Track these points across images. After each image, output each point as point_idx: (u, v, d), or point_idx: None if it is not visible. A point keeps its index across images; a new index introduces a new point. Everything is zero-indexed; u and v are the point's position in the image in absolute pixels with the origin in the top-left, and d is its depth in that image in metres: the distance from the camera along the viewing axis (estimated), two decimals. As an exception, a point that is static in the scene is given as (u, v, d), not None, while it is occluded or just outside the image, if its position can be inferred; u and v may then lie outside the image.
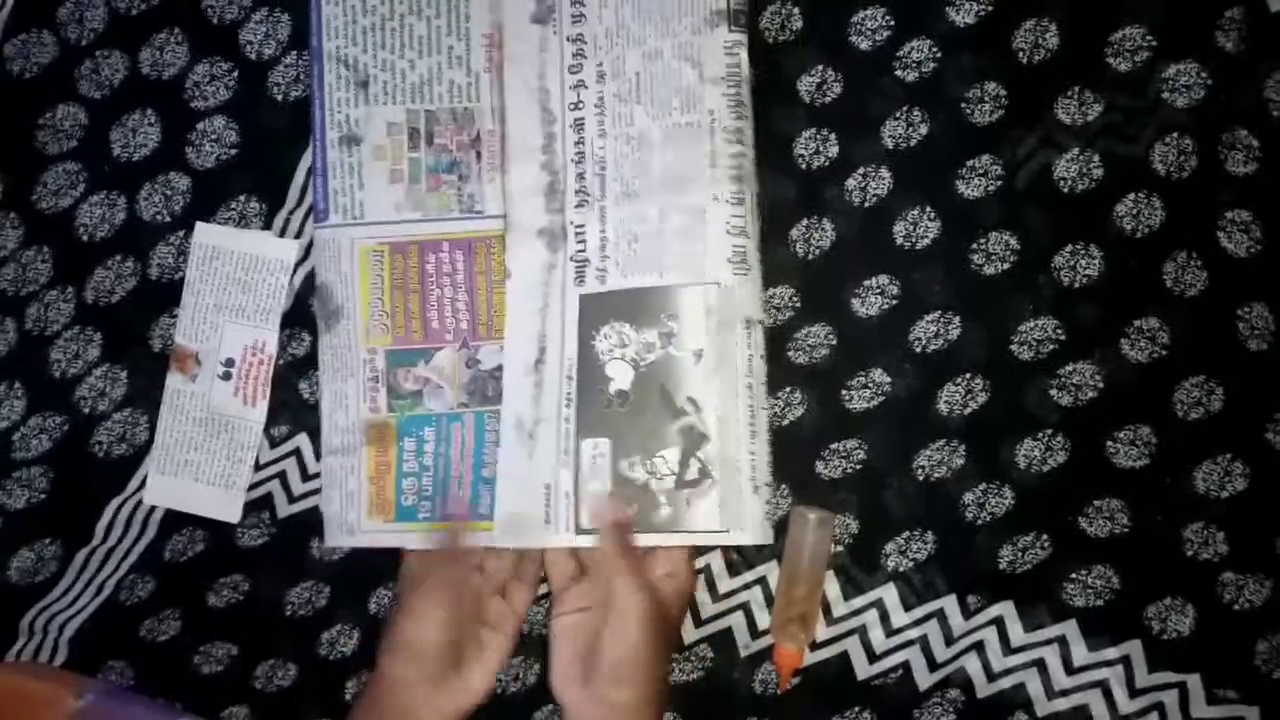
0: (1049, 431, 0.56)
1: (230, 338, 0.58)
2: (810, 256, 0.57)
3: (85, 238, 0.59)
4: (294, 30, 0.59)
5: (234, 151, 0.59)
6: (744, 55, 0.52)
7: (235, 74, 0.59)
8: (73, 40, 0.59)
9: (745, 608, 0.58)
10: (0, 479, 0.59)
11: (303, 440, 0.59)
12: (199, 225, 0.59)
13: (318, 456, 0.58)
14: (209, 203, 0.59)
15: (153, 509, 0.59)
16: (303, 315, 0.59)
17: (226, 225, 0.59)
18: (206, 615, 0.59)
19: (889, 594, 0.57)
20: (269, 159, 0.59)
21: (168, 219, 0.59)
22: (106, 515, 0.59)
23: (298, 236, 0.59)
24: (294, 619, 0.60)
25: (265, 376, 0.58)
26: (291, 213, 0.59)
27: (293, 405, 0.59)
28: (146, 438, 0.59)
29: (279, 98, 0.59)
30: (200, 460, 0.58)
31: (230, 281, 0.58)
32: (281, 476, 0.59)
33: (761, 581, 0.58)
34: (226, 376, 0.58)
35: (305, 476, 0.59)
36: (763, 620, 0.58)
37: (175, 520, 0.59)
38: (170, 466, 0.58)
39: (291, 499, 0.59)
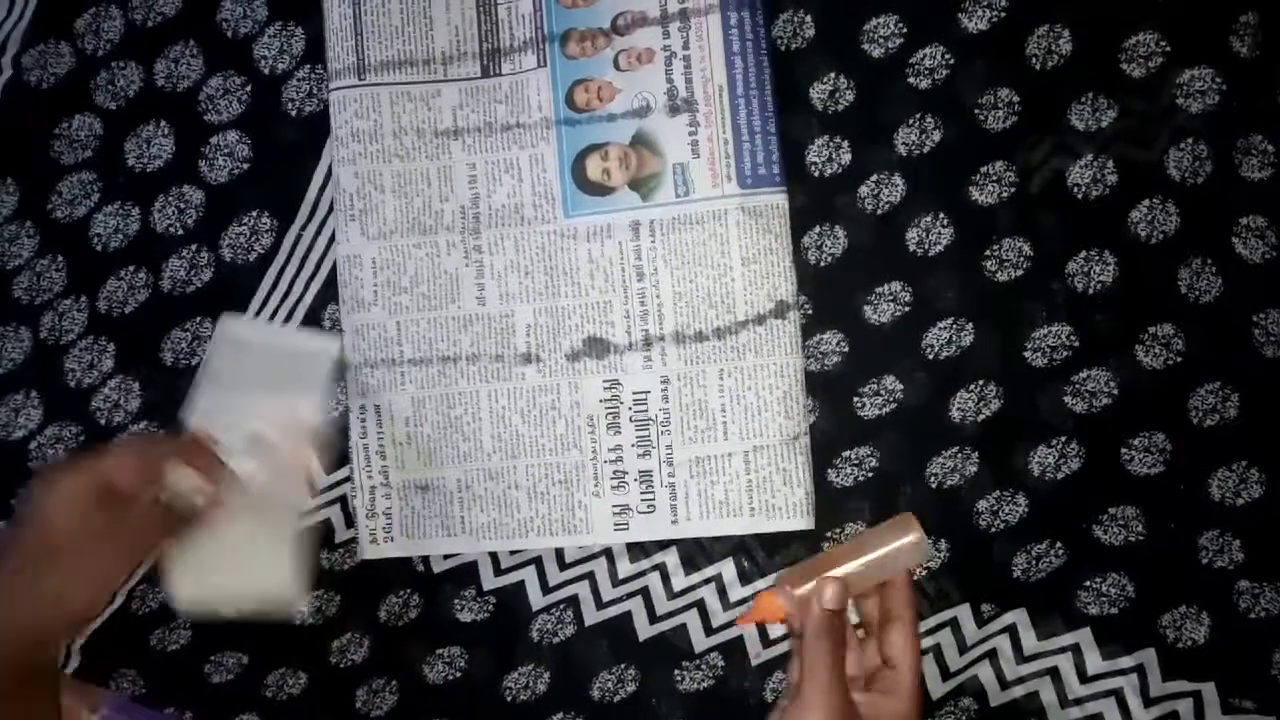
0: (1063, 439, 0.56)
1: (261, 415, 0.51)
2: (822, 264, 0.57)
3: (99, 248, 0.60)
4: (307, 45, 0.59)
5: (246, 166, 0.59)
6: None
7: (249, 88, 0.59)
8: (89, 51, 0.60)
9: (757, 615, 0.58)
10: (17, 487, 0.59)
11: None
12: (225, 319, 0.56)
13: (326, 470, 0.59)
14: (221, 217, 0.59)
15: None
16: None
17: (258, 318, 0.58)
18: (216, 624, 0.59)
19: (902, 602, 0.57)
20: (282, 174, 0.59)
21: (180, 232, 0.59)
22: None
23: (308, 252, 0.59)
24: (304, 627, 0.60)
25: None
26: (303, 229, 0.59)
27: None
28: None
29: (292, 112, 0.59)
30: None
31: (261, 373, 0.52)
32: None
33: (774, 589, 0.57)
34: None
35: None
36: (774, 629, 0.57)
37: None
38: None
39: (304, 508, 0.59)
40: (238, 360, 0.53)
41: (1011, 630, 0.56)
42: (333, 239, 0.59)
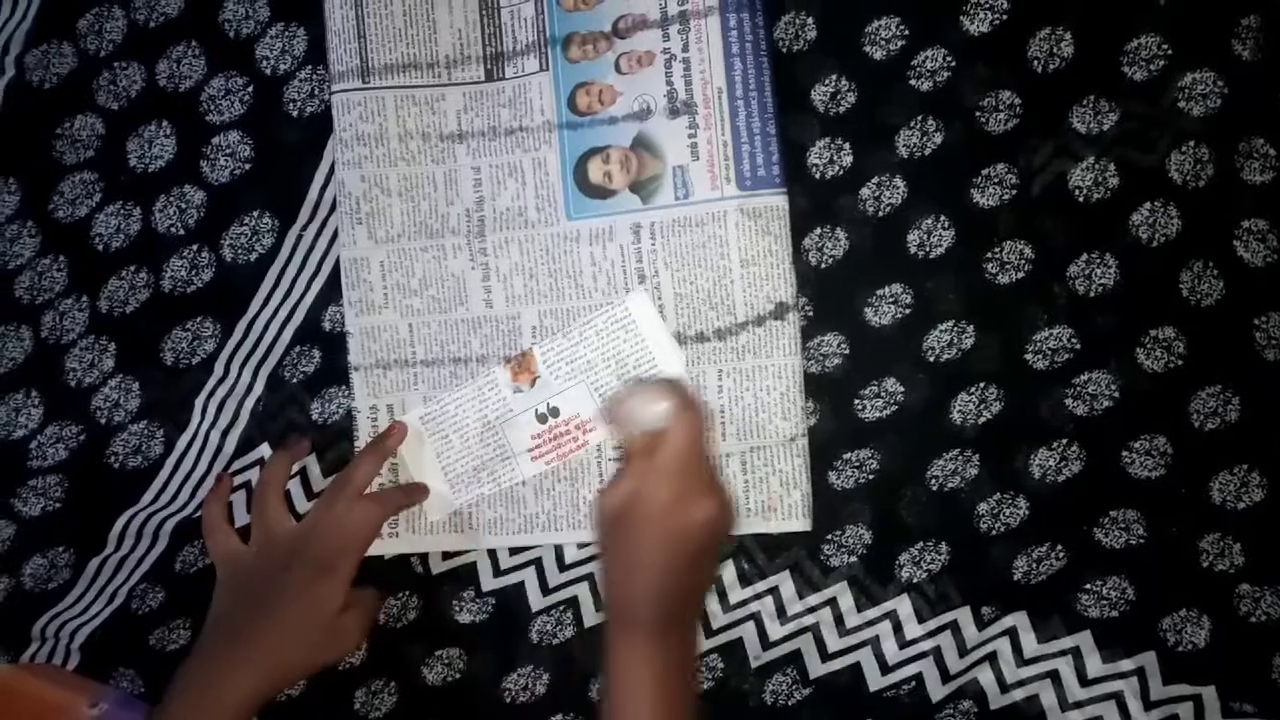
0: (1064, 441, 0.56)
1: None
2: (823, 265, 0.57)
3: (100, 248, 0.60)
4: (309, 46, 0.59)
5: (248, 166, 0.59)
6: None
7: (250, 88, 0.59)
8: (91, 51, 0.60)
9: (756, 618, 0.58)
10: (17, 486, 0.59)
11: (309, 460, 0.59)
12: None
13: (325, 474, 0.59)
14: (222, 217, 0.59)
15: (164, 520, 0.59)
16: (314, 331, 0.59)
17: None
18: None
19: (903, 605, 0.57)
20: (283, 175, 0.59)
21: (181, 232, 0.59)
22: (119, 525, 0.59)
23: (309, 252, 0.59)
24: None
25: None
26: (304, 229, 0.59)
27: (300, 426, 0.59)
28: (161, 451, 0.59)
29: (294, 113, 0.59)
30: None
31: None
32: (286, 495, 0.59)
33: (773, 592, 0.57)
34: None
35: (311, 496, 0.59)
36: (774, 631, 0.57)
37: (186, 532, 0.59)
38: None
39: (298, 519, 0.59)
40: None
41: (1012, 633, 0.56)
42: (334, 240, 0.59)
